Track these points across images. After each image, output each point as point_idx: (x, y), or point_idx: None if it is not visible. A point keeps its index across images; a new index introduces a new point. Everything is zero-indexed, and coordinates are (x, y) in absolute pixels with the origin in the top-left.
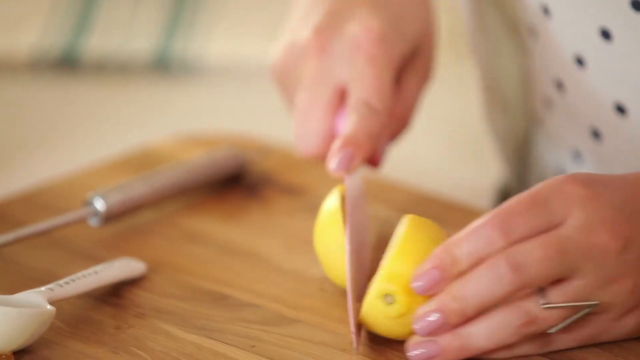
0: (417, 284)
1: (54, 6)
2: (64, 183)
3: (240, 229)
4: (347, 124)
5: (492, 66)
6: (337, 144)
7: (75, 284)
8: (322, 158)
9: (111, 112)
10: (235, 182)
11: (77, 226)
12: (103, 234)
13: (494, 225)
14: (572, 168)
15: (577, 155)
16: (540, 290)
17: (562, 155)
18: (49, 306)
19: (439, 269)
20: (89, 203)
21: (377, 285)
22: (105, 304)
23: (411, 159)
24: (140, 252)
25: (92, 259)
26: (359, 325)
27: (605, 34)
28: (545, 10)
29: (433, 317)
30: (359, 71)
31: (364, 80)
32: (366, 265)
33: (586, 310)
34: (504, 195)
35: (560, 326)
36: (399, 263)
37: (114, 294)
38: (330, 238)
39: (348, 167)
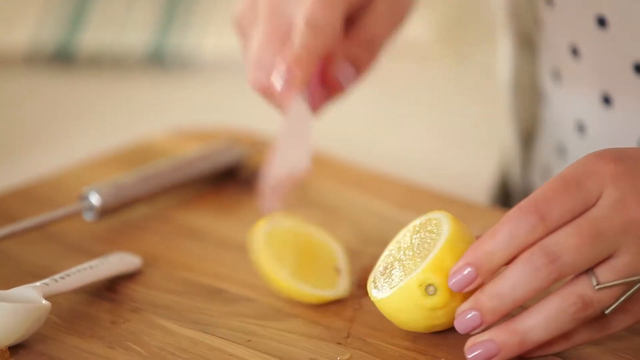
0: (452, 281)
1: (48, 1)
2: (58, 177)
3: (235, 224)
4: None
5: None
6: (278, 65)
7: (70, 278)
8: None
9: (106, 106)
10: (230, 177)
11: (72, 221)
12: (98, 228)
13: (529, 212)
14: (576, 142)
15: (581, 128)
16: (590, 271)
17: (567, 128)
18: (44, 301)
19: (473, 265)
20: (84, 197)
21: (422, 273)
22: (100, 298)
23: (406, 152)
24: (135, 246)
25: (88, 253)
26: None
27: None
28: None
29: (470, 315)
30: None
31: (305, 2)
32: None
33: (639, 285)
34: (503, 187)
35: (615, 305)
36: (449, 257)
37: (110, 289)
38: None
39: (291, 83)
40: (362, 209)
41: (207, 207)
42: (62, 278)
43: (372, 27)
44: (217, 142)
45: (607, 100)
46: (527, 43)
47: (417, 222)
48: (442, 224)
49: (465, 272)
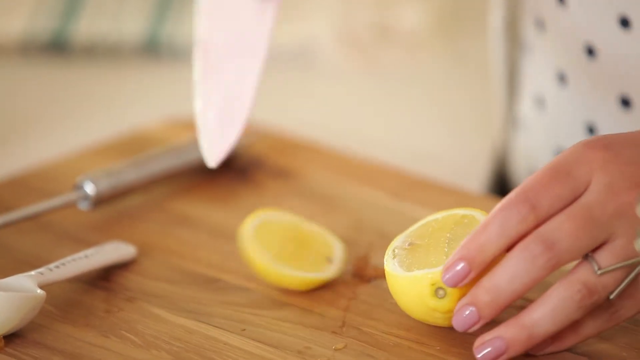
0: (446, 276)
1: None
2: (53, 167)
3: (230, 213)
4: None
5: None
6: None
7: (65, 267)
8: None
9: (101, 95)
10: (225, 166)
11: (67, 210)
12: (93, 217)
13: (519, 202)
14: (556, 92)
15: (561, 78)
16: (590, 258)
17: (547, 79)
18: (39, 290)
19: (465, 259)
20: (79, 187)
21: (438, 274)
22: (95, 287)
23: (401, 142)
24: (130, 235)
25: (82, 242)
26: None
27: None
28: None
29: (467, 312)
30: None
31: None
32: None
33: None
34: (497, 176)
35: (620, 288)
36: None
37: (104, 278)
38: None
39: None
40: (357, 199)
41: (202, 196)
42: (57, 267)
43: None
44: None
45: (590, 51)
46: None
47: (462, 212)
48: (468, 225)
49: (459, 267)
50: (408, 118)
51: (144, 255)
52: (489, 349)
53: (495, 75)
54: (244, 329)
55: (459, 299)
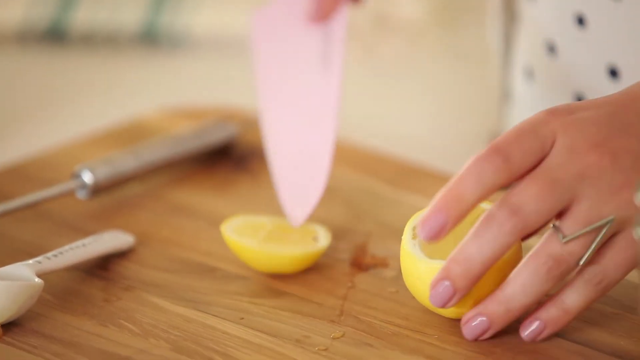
0: (425, 229)
1: None
2: (51, 155)
3: (228, 202)
4: None
5: None
6: None
7: (63, 256)
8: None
9: (99, 84)
10: (223, 155)
11: (65, 199)
12: (91, 206)
13: (492, 153)
14: (546, 63)
15: (551, 48)
16: (555, 228)
17: (537, 49)
18: (37, 279)
19: (443, 211)
20: (77, 176)
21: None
22: (93, 276)
23: (400, 130)
24: (128, 224)
25: (80, 231)
26: None
27: None
28: None
29: (442, 287)
30: None
31: None
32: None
33: (606, 228)
34: None
35: (589, 253)
36: (490, 272)
37: (102, 267)
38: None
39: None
40: (356, 187)
41: (199, 185)
42: (55, 256)
43: None
44: (210, 120)
45: (580, 20)
46: None
47: (486, 206)
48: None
49: (436, 218)
50: (406, 107)
51: (142, 244)
52: (474, 324)
53: (494, 53)
54: (242, 318)
55: (474, 294)
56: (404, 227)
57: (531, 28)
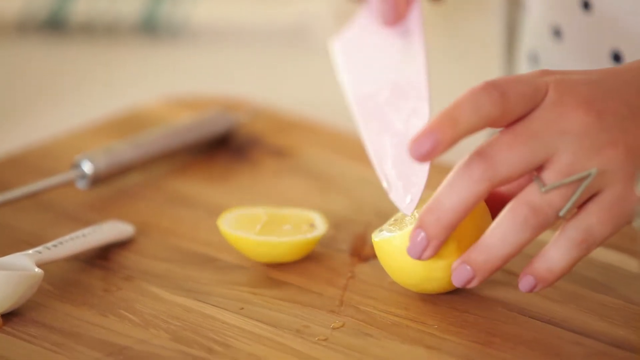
0: (415, 147)
1: None
2: (51, 145)
3: (228, 191)
4: None
5: None
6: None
7: (63, 246)
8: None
9: (98, 74)
10: (222, 145)
11: (64, 189)
12: (91, 196)
13: (489, 87)
14: (551, 47)
15: (557, 33)
16: (535, 177)
17: (543, 34)
18: (37, 269)
19: (436, 131)
20: (76, 166)
21: None
22: (93, 266)
23: None
24: (128, 214)
25: (80, 221)
26: None
27: None
28: None
29: (418, 238)
30: None
31: None
32: None
33: (588, 180)
34: None
35: (568, 205)
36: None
37: (102, 257)
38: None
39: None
40: (355, 178)
41: (199, 175)
42: (55, 246)
43: None
44: (210, 110)
45: (586, 5)
46: None
47: None
48: None
49: (429, 137)
50: None
51: (142, 234)
52: (460, 273)
53: (496, 40)
54: (242, 308)
55: (455, 243)
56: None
57: (536, 13)
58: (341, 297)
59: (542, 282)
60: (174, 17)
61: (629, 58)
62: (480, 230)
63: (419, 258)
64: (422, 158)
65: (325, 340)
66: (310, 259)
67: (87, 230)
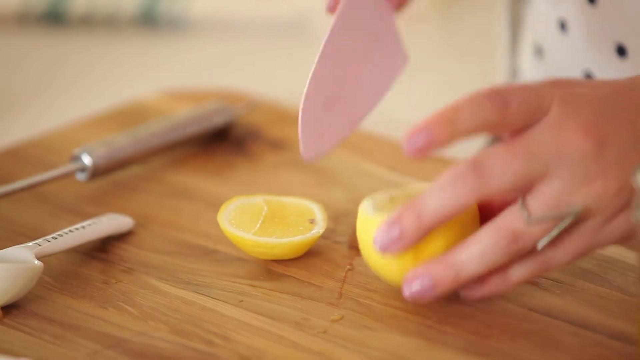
0: (407, 144)
1: None
2: (51, 138)
3: (227, 184)
4: None
5: None
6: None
7: (63, 239)
8: None
9: (98, 67)
10: (222, 137)
11: (64, 181)
12: (90, 189)
13: (493, 94)
14: (556, 40)
15: (562, 25)
16: (522, 204)
17: (548, 27)
18: (36, 261)
19: (431, 129)
20: (76, 158)
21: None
22: (93, 259)
23: (399, 114)
24: (127, 207)
25: (80, 214)
26: None
27: None
28: None
29: (391, 230)
30: None
31: None
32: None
33: (571, 217)
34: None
35: (547, 238)
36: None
37: (102, 249)
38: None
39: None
40: (353, 170)
41: (199, 167)
42: (55, 238)
43: None
44: (209, 102)
45: None
46: None
47: None
48: None
49: (423, 133)
50: (405, 89)
51: (141, 227)
52: (418, 283)
53: (501, 31)
54: (242, 301)
55: (420, 252)
56: None
57: (542, 6)
58: (340, 289)
59: (491, 292)
60: (173, 10)
61: (633, 52)
62: (467, 234)
63: (385, 250)
64: (415, 153)
65: (324, 332)
66: (309, 252)
67: (86, 223)
